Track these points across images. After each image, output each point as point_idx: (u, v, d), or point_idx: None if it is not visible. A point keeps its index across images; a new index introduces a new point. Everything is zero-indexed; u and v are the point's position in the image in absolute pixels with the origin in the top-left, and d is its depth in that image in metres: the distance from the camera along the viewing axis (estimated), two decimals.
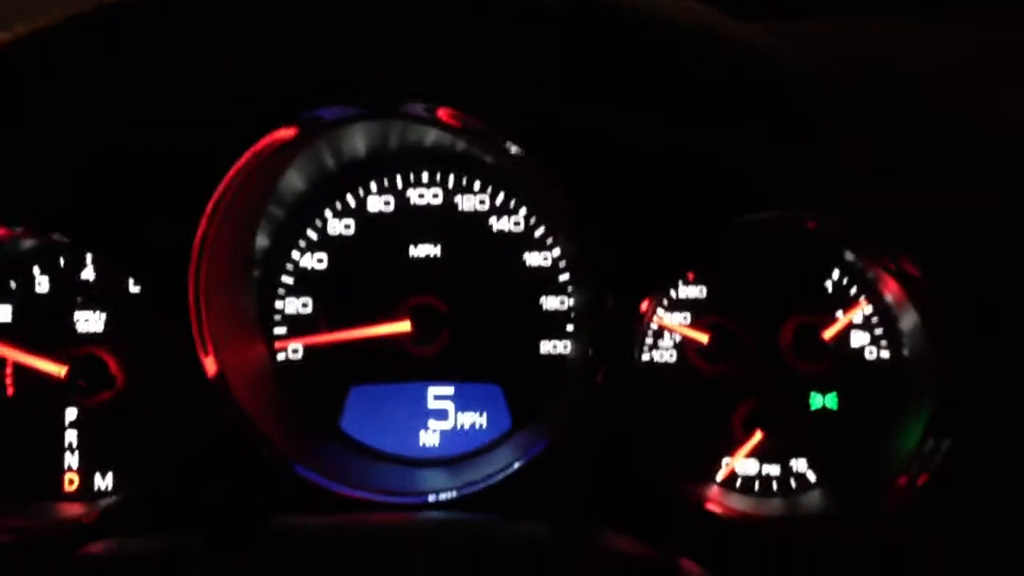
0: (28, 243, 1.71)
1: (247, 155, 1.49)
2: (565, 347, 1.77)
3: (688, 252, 1.56)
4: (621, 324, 1.52)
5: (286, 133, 1.50)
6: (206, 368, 1.53)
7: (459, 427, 1.77)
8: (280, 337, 1.77)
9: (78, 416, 1.73)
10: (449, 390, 1.77)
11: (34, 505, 1.69)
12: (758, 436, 1.71)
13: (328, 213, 1.78)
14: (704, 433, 1.74)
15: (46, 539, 1.52)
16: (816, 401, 1.73)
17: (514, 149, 1.50)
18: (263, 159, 1.51)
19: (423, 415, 1.77)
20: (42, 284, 1.74)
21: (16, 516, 1.64)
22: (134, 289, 1.73)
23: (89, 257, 1.74)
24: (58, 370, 1.69)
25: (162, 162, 1.48)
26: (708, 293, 1.76)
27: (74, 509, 1.68)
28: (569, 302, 1.77)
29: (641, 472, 1.52)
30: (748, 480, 1.74)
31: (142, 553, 1.24)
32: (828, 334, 1.72)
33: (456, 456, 1.77)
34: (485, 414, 1.77)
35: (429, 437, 1.77)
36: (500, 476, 1.55)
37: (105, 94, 1.28)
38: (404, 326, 1.72)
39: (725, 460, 1.74)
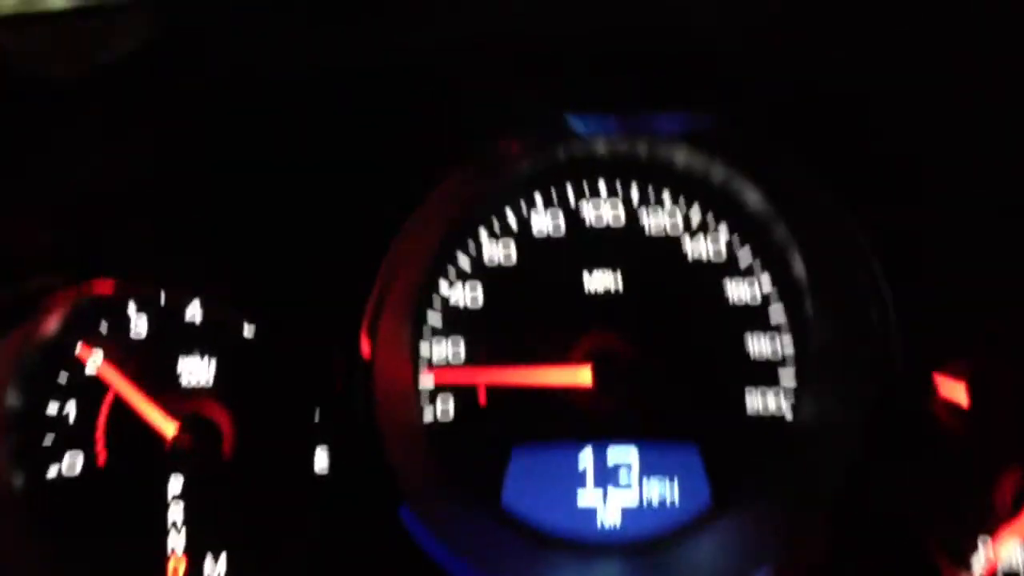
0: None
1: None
2: (776, 401, 1.42)
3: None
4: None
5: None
6: (369, 431, 1.22)
7: (646, 503, 1.43)
8: (428, 392, 1.44)
9: (184, 488, 1.42)
10: (633, 450, 1.43)
11: None
12: None
13: (484, 235, 1.45)
14: (960, 510, 1.39)
15: None
16: None
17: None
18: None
19: (603, 484, 1.43)
20: (139, 326, 1.43)
21: None
22: (248, 333, 1.42)
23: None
24: (168, 427, 1.37)
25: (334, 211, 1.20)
26: None
27: None
28: (782, 345, 1.42)
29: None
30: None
31: None
32: None
33: (641, 541, 1.42)
34: (677, 483, 1.43)
35: (609, 515, 1.44)
36: None
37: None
38: (583, 375, 1.38)
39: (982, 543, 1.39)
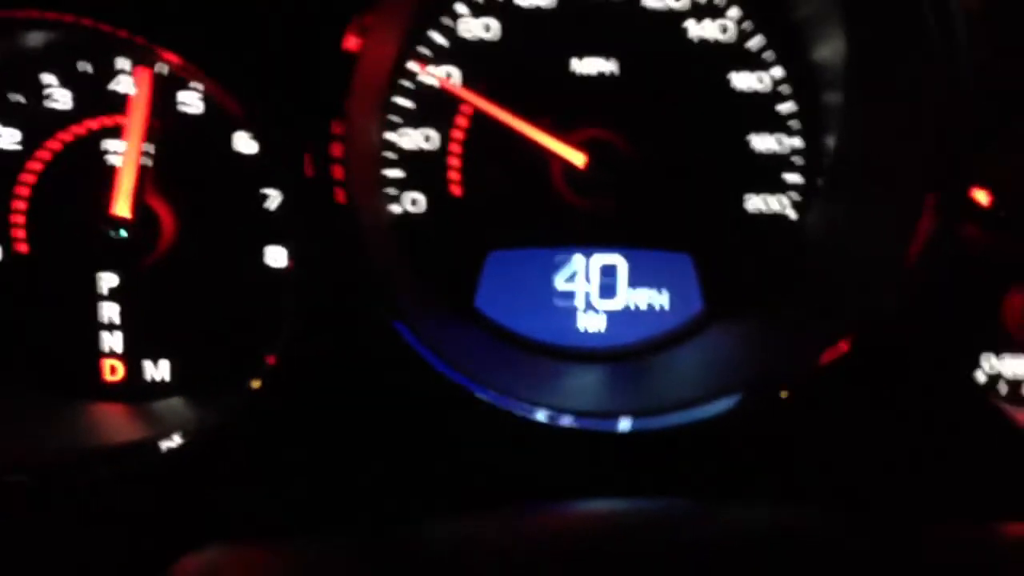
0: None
1: None
2: (780, 201, 1.30)
3: None
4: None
5: None
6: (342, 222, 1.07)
7: (632, 307, 1.32)
8: (395, 181, 1.29)
9: (119, 284, 1.26)
10: (620, 259, 1.31)
11: (66, 408, 1.24)
12: None
13: (461, 8, 1.26)
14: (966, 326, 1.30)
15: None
16: None
17: None
18: None
19: (584, 291, 1.32)
20: (56, 97, 1.23)
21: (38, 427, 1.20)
22: (191, 109, 1.23)
23: (124, 63, 1.22)
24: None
25: None
26: None
27: (122, 415, 1.24)
28: (790, 143, 1.29)
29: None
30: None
31: None
32: None
33: (627, 347, 1.33)
34: (667, 292, 1.32)
35: (592, 320, 1.32)
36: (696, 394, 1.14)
37: None
38: (577, 156, 1.24)
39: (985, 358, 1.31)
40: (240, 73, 1.04)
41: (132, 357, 1.27)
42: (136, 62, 1.21)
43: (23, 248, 1.25)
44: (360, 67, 1.05)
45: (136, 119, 1.19)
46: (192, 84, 1.22)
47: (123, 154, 1.20)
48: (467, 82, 1.27)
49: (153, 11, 1.04)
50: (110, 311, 1.26)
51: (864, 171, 1.19)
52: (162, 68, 1.22)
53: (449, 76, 1.26)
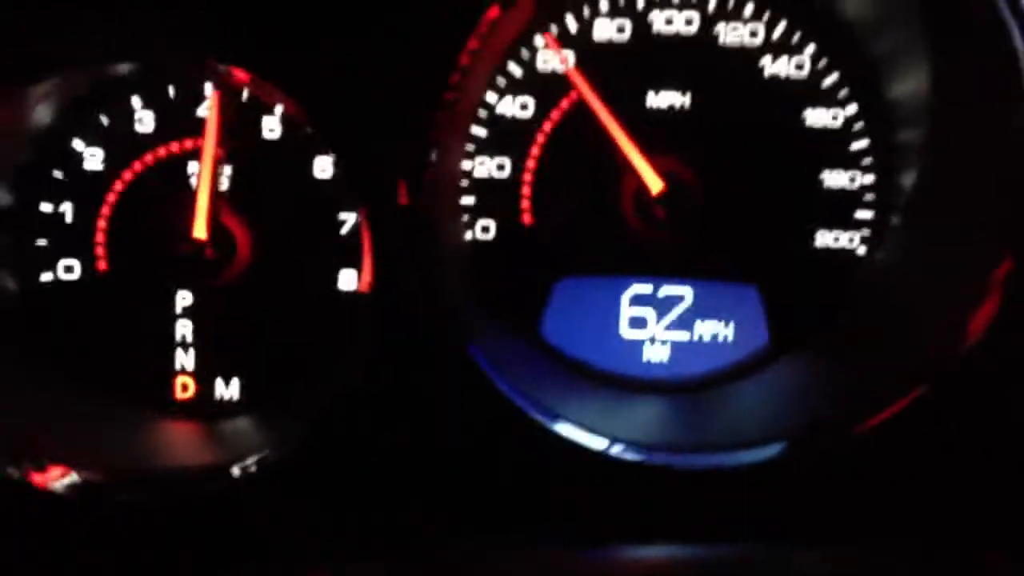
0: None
1: None
2: (850, 240, 1.30)
3: None
4: None
5: None
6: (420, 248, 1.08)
7: (697, 339, 1.32)
8: (468, 208, 1.30)
9: (195, 301, 1.29)
10: (687, 290, 1.32)
11: (138, 424, 1.26)
12: None
13: (538, 41, 1.28)
14: None
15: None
16: None
17: None
18: None
19: (650, 321, 1.32)
20: (144, 120, 1.26)
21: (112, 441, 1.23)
22: (271, 134, 1.26)
23: (209, 89, 1.25)
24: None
25: None
26: None
27: (191, 434, 1.26)
28: (862, 180, 1.29)
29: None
30: None
31: None
32: None
33: (690, 379, 1.33)
34: (733, 324, 1.32)
35: (656, 351, 1.33)
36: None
37: None
38: (655, 182, 1.24)
39: None
40: (334, 103, 1.06)
41: (203, 375, 1.29)
42: (218, 86, 1.24)
43: (103, 266, 1.27)
44: (453, 100, 1.07)
45: (209, 142, 1.21)
46: (273, 109, 1.25)
47: (199, 176, 1.23)
48: (540, 111, 1.29)
49: (251, 40, 1.06)
50: (184, 329, 1.28)
51: (941, 209, 1.18)
52: (241, 92, 1.24)
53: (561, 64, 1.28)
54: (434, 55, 1.04)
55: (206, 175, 1.22)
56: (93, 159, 1.26)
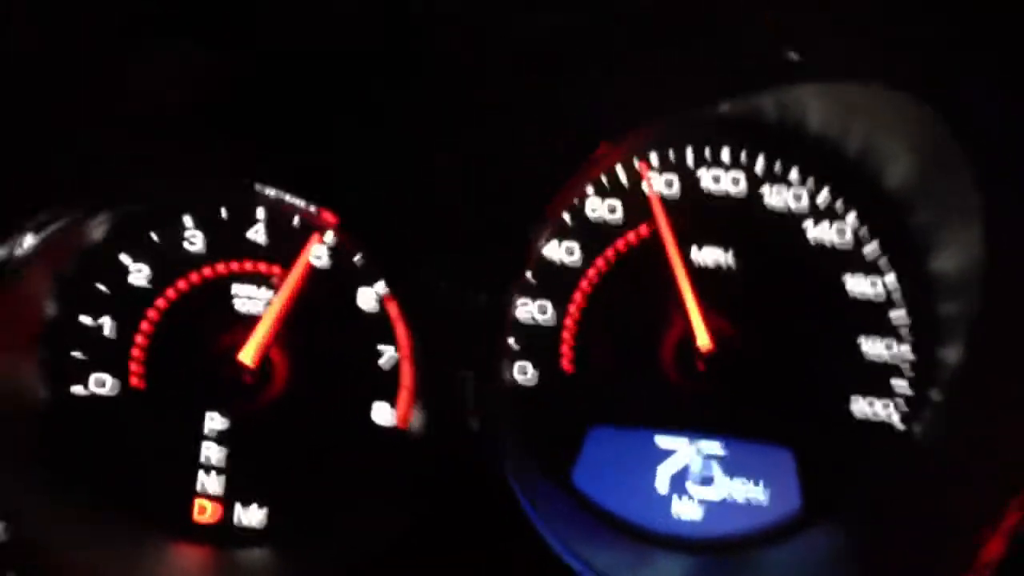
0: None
1: None
2: (887, 409, 1.30)
3: None
4: None
5: None
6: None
7: (728, 498, 1.30)
8: (508, 351, 1.30)
9: (227, 425, 1.26)
10: (721, 448, 1.31)
11: (153, 545, 1.23)
12: None
13: (589, 190, 1.31)
14: None
15: None
16: None
17: None
18: None
19: (682, 477, 1.31)
20: (195, 241, 1.27)
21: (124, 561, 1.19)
22: (319, 262, 1.27)
23: (261, 213, 1.26)
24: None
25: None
26: None
27: (206, 560, 1.22)
28: (900, 351, 1.30)
29: None
30: None
31: None
32: None
33: (719, 539, 1.30)
34: (765, 486, 1.30)
35: (687, 507, 1.31)
36: None
37: None
38: (705, 338, 1.25)
39: None
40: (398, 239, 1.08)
41: (226, 500, 1.26)
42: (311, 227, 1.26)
43: (135, 382, 1.26)
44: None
45: (294, 277, 1.22)
46: (324, 238, 1.26)
47: (268, 305, 1.23)
48: (587, 257, 1.30)
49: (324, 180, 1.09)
50: (211, 451, 1.26)
51: (985, 388, 1.18)
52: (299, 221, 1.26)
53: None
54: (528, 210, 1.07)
55: (278, 307, 1.23)
56: (139, 275, 1.26)
